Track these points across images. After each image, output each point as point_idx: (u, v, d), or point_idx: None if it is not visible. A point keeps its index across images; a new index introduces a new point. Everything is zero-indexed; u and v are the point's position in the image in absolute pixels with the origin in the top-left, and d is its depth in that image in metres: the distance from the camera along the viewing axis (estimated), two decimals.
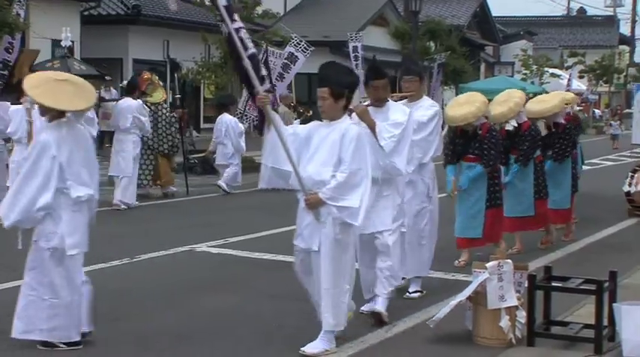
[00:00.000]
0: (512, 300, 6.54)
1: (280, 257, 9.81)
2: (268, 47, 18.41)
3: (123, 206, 13.97)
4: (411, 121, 7.37)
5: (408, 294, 8.21)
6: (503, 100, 10.50)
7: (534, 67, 41.86)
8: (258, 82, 6.39)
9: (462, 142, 9.54)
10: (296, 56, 18.59)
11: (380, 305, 7.24)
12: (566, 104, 12.54)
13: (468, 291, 6.64)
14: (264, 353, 6.54)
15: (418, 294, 8.29)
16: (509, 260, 6.67)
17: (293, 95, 20.89)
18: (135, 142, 14.42)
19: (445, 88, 32.22)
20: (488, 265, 6.58)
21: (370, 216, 6.95)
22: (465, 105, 9.49)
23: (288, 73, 18.53)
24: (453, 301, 6.70)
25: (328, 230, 6.34)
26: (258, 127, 6.54)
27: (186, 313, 7.59)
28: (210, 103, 16.25)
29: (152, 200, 15.35)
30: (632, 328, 6.07)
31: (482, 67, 46.44)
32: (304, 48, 18.62)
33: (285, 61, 18.51)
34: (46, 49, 21.45)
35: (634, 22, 68.41)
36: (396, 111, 7.39)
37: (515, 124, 10.40)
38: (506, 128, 10.43)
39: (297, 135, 6.53)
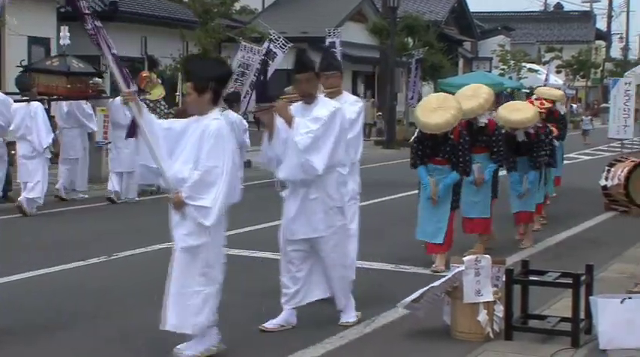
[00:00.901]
0: (488, 295, 6.58)
1: (259, 254, 9.81)
2: (245, 44, 18.40)
3: (133, 197, 14.74)
4: (339, 117, 6.89)
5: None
6: (470, 95, 10.17)
7: (512, 62, 41.97)
8: (123, 81, 6.19)
9: (431, 144, 9.27)
10: (274, 52, 18.58)
11: (344, 317, 7.18)
12: (554, 102, 12.69)
13: (441, 281, 6.68)
14: (243, 350, 6.54)
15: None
16: (487, 255, 6.71)
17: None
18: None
19: (423, 83, 32.30)
20: (465, 259, 6.63)
21: (297, 221, 6.86)
22: (439, 111, 9.09)
23: (267, 69, 18.50)
24: (424, 288, 6.71)
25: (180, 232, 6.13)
26: (128, 128, 6.19)
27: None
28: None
29: (146, 195, 15.33)
30: (609, 320, 6.12)
31: (461, 62, 46.58)
32: (282, 44, 18.62)
33: (263, 57, 18.50)
34: (22, 47, 21.34)
35: (610, 17, 68.93)
36: (322, 107, 6.99)
37: (486, 121, 10.08)
38: (479, 125, 10.04)
39: (173, 130, 6.24)
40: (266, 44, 18.71)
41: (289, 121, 6.73)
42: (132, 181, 14.51)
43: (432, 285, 6.69)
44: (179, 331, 6.21)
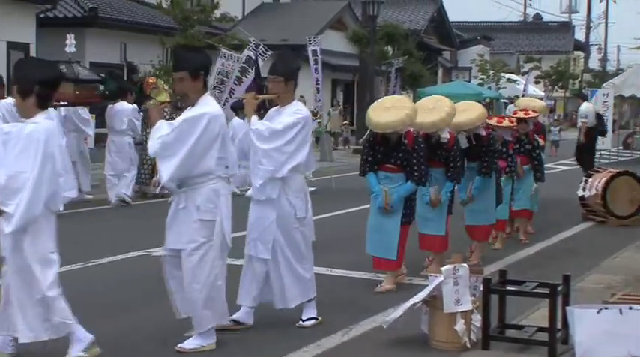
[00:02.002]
0: (467, 304, 6.59)
1: (240, 262, 9.79)
2: (225, 51, 18.40)
3: (128, 199, 15.27)
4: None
5: (301, 322, 7.35)
6: (431, 108, 9.23)
7: (491, 72, 42.18)
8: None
9: (383, 150, 8.67)
10: (254, 60, 18.55)
11: (188, 342, 6.64)
12: (535, 113, 12.44)
13: (422, 294, 6.68)
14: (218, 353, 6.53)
15: (312, 321, 7.36)
16: (464, 264, 6.72)
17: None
18: (130, 143, 15.46)
19: (402, 92, 32.36)
20: (443, 268, 6.64)
21: (169, 229, 6.70)
22: (392, 110, 8.53)
23: (247, 77, 18.49)
24: (407, 303, 6.73)
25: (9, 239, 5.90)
26: None
27: (142, 318, 7.55)
28: (170, 105, 16.60)
29: (146, 199, 15.87)
30: (585, 331, 6.14)
31: (440, 71, 46.74)
32: (262, 52, 18.60)
33: (243, 64, 18.48)
34: (1, 52, 21.23)
35: (589, 28, 69.43)
36: (281, 114, 7.06)
37: (448, 136, 9.17)
38: (441, 140, 9.17)
39: (10, 133, 5.97)
40: (246, 52, 18.70)
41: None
42: (122, 184, 15.30)
43: (414, 302, 6.68)
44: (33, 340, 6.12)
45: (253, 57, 18.82)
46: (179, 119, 6.43)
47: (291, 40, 31.97)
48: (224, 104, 18.33)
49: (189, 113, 6.43)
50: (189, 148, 6.31)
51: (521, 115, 12.00)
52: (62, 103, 15.06)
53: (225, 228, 6.56)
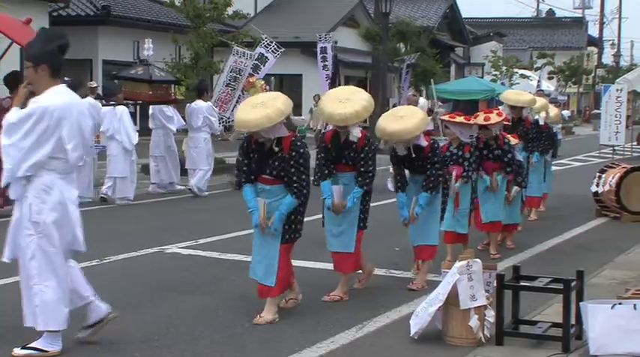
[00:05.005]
0: (482, 299, 6.60)
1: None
2: (238, 48, 18.47)
3: (196, 191, 16.19)
4: None
5: (16, 350, 6.33)
6: (345, 99, 8.00)
7: (504, 68, 42.13)
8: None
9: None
10: (266, 57, 18.60)
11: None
12: (500, 117, 10.32)
13: (443, 295, 6.66)
14: (236, 355, 6.54)
15: (28, 352, 6.29)
16: (477, 260, 6.72)
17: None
18: (206, 139, 16.52)
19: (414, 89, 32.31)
20: (456, 265, 6.64)
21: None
22: (260, 108, 7.15)
23: (258, 73, 18.55)
24: (432, 308, 6.70)
25: None
26: None
27: (156, 315, 7.57)
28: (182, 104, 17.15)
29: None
30: (599, 326, 6.13)
31: (453, 68, 46.65)
32: (274, 49, 18.64)
33: (256, 61, 18.53)
34: (14, 51, 21.26)
35: (602, 23, 69.15)
36: None
37: (359, 135, 7.99)
38: (349, 138, 8.00)
39: None
40: (258, 49, 18.73)
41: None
42: (204, 179, 16.37)
43: (439, 305, 6.66)
44: None
45: (265, 54, 18.90)
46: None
47: (303, 38, 32.01)
48: (237, 101, 18.42)
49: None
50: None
51: (481, 120, 10.16)
52: (138, 102, 17.05)
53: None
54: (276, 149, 7.18)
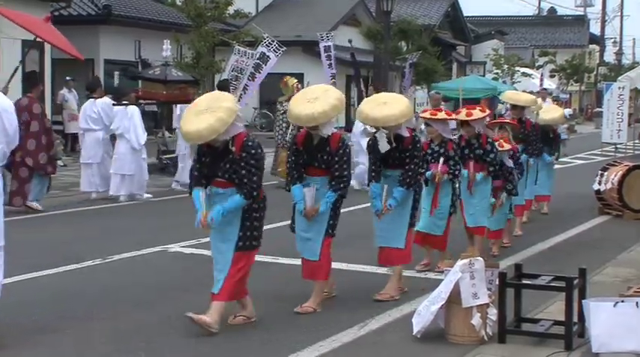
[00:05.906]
0: (484, 297, 6.60)
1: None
2: (239, 47, 18.47)
3: None
4: None
5: None
6: (315, 97, 7.55)
7: (506, 66, 42.11)
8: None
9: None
10: (267, 56, 18.56)
11: None
12: (483, 113, 9.84)
13: (445, 293, 6.66)
14: (239, 354, 6.54)
15: None
16: (479, 258, 6.72)
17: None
18: None
19: (417, 88, 32.33)
20: (458, 263, 6.64)
21: None
22: (206, 114, 6.79)
23: (260, 72, 18.52)
24: (434, 307, 6.70)
25: None
26: None
27: (159, 313, 7.57)
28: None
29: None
30: (602, 324, 6.13)
31: (454, 66, 46.61)
32: (276, 48, 18.62)
33: (257, 61, 18.51)
34: (16, 50, 21.28)
35: (604, 21, 69.04)
36: None
37: (329, 133, 7.58)
38: (322, 135, 7.58)
39: None
40: (260, 48, 18.74)
41: None
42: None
43: (441, 304, 6.66)
44: None
45: (267, 53, 18.91)
46: None
47: (304, 36, 31.98)
48: (239, 100, 18.40)
49: None
50: None
51: (463, 116, 9.82)
52: (150, 101, 17.46)
53: None
54: (233, 149, 6.83)
